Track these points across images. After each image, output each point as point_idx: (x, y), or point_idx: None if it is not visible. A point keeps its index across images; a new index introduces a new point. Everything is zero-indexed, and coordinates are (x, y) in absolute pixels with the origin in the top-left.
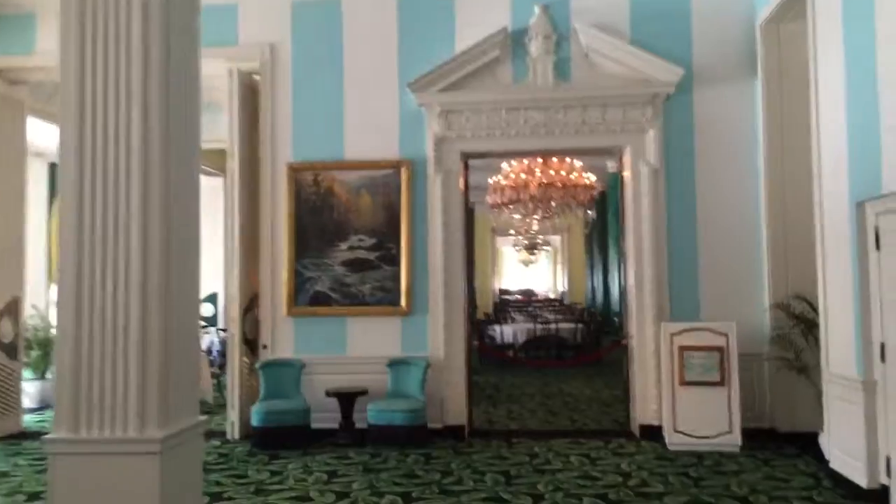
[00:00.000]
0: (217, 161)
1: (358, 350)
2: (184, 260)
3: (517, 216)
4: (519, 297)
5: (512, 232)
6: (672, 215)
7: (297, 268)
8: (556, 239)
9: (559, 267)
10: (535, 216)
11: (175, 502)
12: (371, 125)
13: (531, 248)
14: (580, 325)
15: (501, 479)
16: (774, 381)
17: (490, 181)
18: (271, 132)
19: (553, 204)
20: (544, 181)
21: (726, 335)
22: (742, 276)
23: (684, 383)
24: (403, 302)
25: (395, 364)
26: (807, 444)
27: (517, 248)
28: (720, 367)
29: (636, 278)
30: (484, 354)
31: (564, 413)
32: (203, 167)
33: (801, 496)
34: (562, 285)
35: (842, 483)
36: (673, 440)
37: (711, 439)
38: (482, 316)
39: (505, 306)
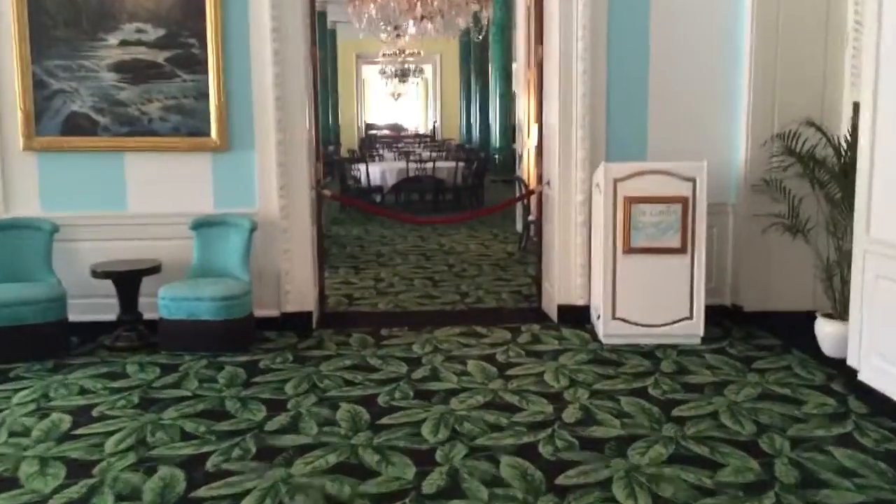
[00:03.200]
0: None
1: (144, 205)
2: None
3: (385, 34)
4: (387, 132)
5: (380, 57)
6: (615, 7)
7: (36, 75)
8: (428, 68)
9: (430, 99)
10: (411, 19)
11: None
12: None
13: (402, 75)
14: (461, 164)
15: (366, 420)
16: (743, 244)
17: None
18: None
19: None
20: None
21: (693, 181)
22: (708, 98)
23: (630, 250)
24: (215, 131)
25: (203, 226)
26: (787, 329)
27: (385, 75)
28: (682, 228)
29: (561, 102)
30: (346, 203)
31: (450, 281)
32: None
33: (834, 435)
34: (434, 120)
35: (887, 409)
36: (610, 330)
37: (663, 328)
38: (346, 153)
39: (372, 142)
